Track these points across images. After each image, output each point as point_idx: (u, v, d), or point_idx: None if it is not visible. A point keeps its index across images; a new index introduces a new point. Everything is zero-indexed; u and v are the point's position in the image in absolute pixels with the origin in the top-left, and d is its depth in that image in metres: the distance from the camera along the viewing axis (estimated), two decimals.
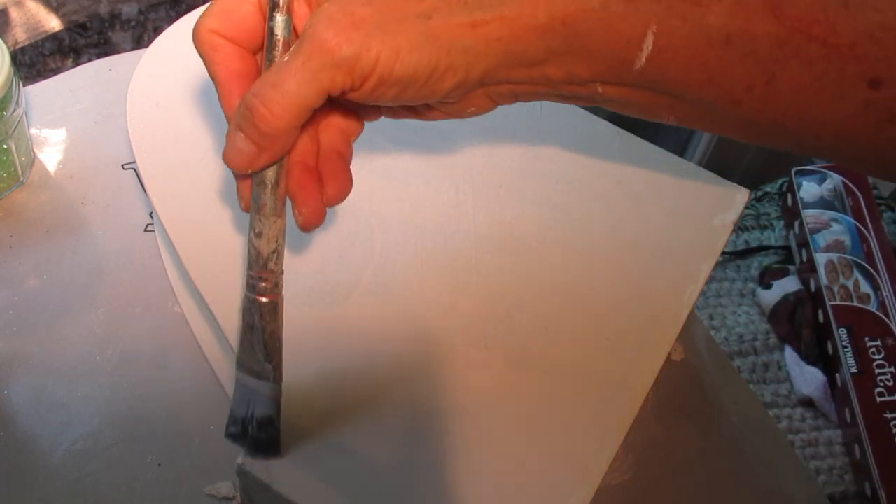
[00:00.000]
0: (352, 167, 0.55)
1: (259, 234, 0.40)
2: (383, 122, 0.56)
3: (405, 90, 0.37)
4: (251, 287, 0.41)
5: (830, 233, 0.88)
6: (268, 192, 0.39)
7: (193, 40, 0.40)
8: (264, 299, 0.41)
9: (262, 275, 0.41)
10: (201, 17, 0.40)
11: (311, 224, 0.41)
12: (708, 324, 0.87)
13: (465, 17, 0.36)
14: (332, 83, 0.36)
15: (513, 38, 0.37)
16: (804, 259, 0.88)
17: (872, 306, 0.83)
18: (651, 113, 0.41)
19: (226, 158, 0.38)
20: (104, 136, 0.61)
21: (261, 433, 0.42)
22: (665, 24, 0.37)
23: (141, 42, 0.69)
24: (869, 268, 0.85)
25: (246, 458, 0.43)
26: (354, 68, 0.36)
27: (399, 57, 0.36)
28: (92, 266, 0.56)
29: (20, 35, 0.68)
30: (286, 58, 0.36)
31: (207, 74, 0.42)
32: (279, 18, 0.37)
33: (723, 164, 1.12)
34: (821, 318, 0.84)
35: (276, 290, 0.41)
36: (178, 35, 0.60)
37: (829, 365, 0.82)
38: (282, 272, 0.41)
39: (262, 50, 0.39)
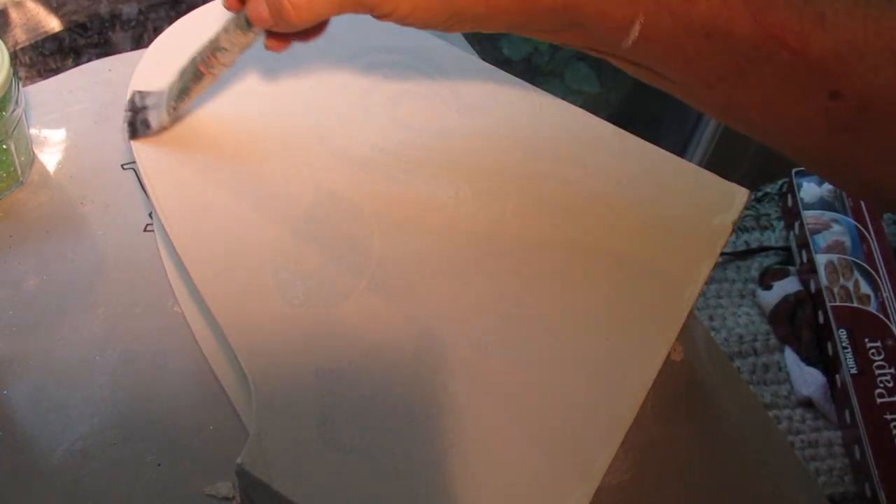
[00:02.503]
0: (351, 166, 0.55)
1: (225, 29, 0.49)
2: (382, 122, 0.56)
3: (420, 27, 0.45)
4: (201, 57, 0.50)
5: (830, 233, 0.88)
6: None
7: None
8: (202, 68, 0.50)
9: (209, 54, 0.49)
10: None
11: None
12: (708, 324, 0.87)
13: None
14: (352, 9, 0.44)
15: (520, 13, 0.43)
16: (804, 260, 0.88)
17: (872, 307, 0.83)
18: (642, 79, 0.45)
19: (249, 14, 0.46)
20: (104, 136, 0.61)
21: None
22: (652, 17, 0.41)
23: (141, 42, 0.70)
24: (869, 269, 0.85)
25: (248, 455, 0.43)
26: (375, 8, 0.44)
27: (414, 12, 0.44)
28: (92, 266, 0.56)
29: (20, 35, 0.68)
30: None
31: None
32: None
33: (723, 164, 1.12)
34: (821, 318, 0.84)
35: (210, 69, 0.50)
36: (179, 35, 0.60)
37: (828, 366, 0.82)
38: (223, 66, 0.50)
39: None
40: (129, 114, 0.54)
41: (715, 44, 0.40)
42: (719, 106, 0.44)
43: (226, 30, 0.48)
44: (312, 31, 0.49)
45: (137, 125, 0.53)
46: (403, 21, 0.44)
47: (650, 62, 0.43)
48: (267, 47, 0.49)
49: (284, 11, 0.44)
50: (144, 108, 0.54)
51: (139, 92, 0.54)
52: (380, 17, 0.44)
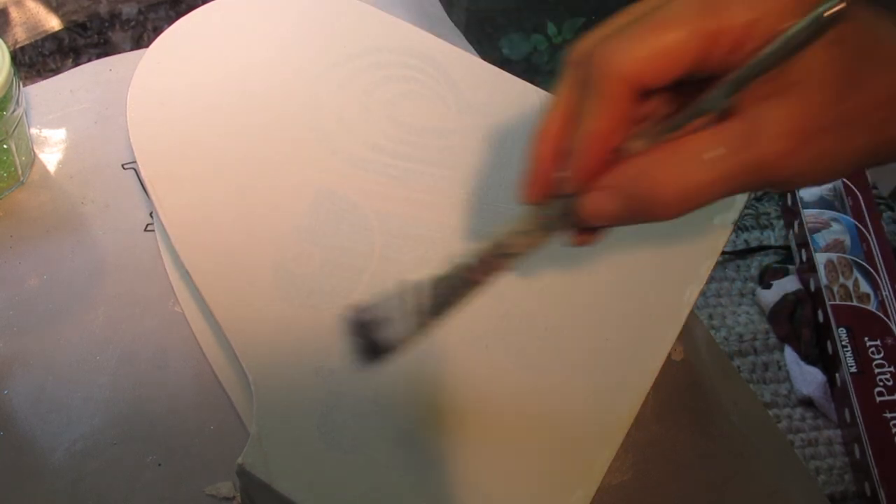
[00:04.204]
0: (351, 166, 0.55)
1: (521, 231, 0.38)
2: (382, 122, 0.56)
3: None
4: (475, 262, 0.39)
5: (830, 232, 0.88)
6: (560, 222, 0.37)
7: (604, 64, 0.32)
8: (479, 277, 0.39)
9: (490, 260, 0.38)
10: (627, 39, 0.32)
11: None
12: (708, 324, 0.87)
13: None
14: (743, 190, 0.32)
15: None
16: (804, 259, 0.88)
17: (872, 306, 0.83)
18: None
19: (584, 209, 0.34)
20: (104, 136, 0.61)
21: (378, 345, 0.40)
22: None
23: (141, 42, 0.69)
24: (869, 267, 0.85)
25: (248, 455, 0.43)
26: (777, 183, 0.32)
27: (816, 175, 0.33)
28: (92, 266, 0.56)
29: (20, 35, 0.68)
30: (706, 142, 0.31)
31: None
32: (714, 93, 0.32)
33: None
34: (820, 317, 0.84)
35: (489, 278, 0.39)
36: (179, 35, 0.60)
37: (828, 365, 0.82)
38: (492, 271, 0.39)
39: (660, 97, 0.33)
40: (358, 340, 0.40)
41: None
42: None
43: (521, 231, 0.38)
44: None
45: (377, 349, 0.40)
46: (806, 185, 0.34)
47: None
48: (575, 244, 0.38)
49: (655, 208, 0.32)
50: (371, 324, 0.40)
51: (355, 310, 0.40)
52: (780, 188, 0.34)
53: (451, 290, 0.39)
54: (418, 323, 0.40)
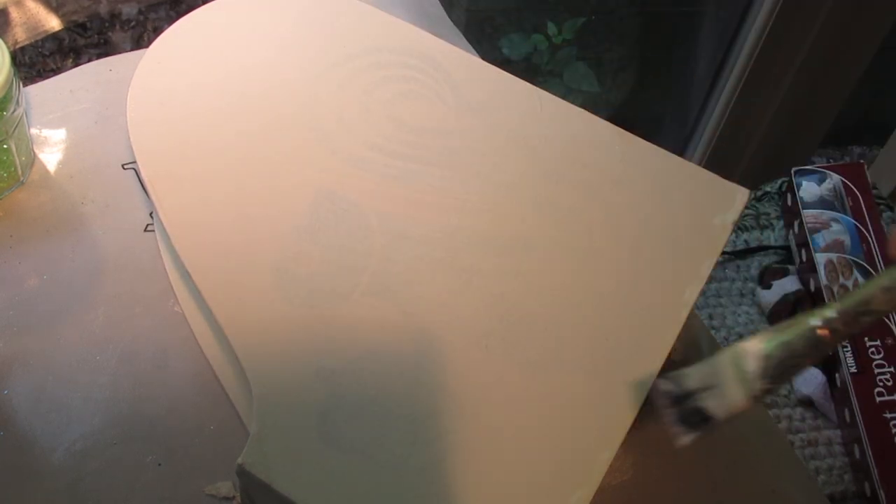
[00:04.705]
0: (351, 166, 0.55)
1: (886, 289, 0.38)
2: (382, 122, 0.56)
3: None
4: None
5: (830, 233, 0.88)
6: None
7: None
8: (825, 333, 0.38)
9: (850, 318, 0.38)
10: None
11: None
12: (708, 323, 0.87)
13: None
14: None
15: None
16: (804, 259, 0.88)
17: None
18: None
19: None
20: (104, 136, 0.61)
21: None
22: None
23: (141, 42, 0.70)
24: (869, 268, 0.85)
25: (248, 455, 0.43)
26: None
27: None
28: (92, 266, 0.56)
29: (20, 35, 0.68)
30: None
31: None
32: None
33: (723, 164, 1.12)
34: None
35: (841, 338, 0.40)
36: (179, 35, 0.60)
37: (828, 365, 0.82)
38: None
39: None
40: (673, 411, 0.42)
41: None
42: None
43: (890, 287, 0.37)
44: None
45: (694, 419, 0.42)
46: None
47: None
48: None
49: None
50: (689, 394, 0.42)
51: (663, 378, 0.43)
52: None
53: (800, 349, 0.39)
54: (757, 389, 0.40)
